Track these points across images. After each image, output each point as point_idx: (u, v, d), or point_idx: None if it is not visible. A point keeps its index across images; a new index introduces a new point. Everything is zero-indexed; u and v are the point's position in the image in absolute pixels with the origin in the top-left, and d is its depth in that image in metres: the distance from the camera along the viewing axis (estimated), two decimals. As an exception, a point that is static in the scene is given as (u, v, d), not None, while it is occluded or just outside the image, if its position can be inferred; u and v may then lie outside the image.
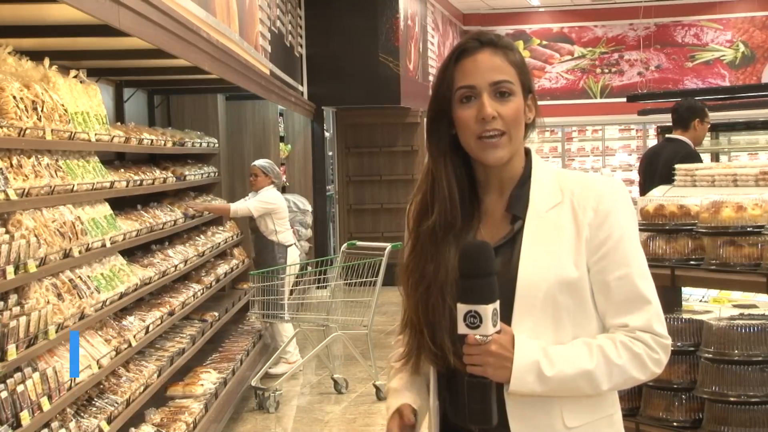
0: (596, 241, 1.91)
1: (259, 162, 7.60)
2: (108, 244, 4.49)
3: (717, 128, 9.67)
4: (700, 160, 6.20)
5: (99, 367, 4.06)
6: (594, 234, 1.92)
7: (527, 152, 2.03)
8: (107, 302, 4.28)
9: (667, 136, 6.62)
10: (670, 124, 6.72)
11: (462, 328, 1.81)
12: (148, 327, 4.92)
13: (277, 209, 7.43)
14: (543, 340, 1.88)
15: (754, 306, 3.90)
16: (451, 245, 1.95)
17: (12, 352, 3.19)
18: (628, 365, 1.89)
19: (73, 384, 3.72)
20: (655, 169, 6.32)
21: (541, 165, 2.02)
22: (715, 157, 9.34)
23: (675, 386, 3.36)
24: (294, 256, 7.57)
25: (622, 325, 1.91)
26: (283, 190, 9.88)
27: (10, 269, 3.27)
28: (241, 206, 7.35)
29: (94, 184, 4.53)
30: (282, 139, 10.12)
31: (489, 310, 1.79)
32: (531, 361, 1.84)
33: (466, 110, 1.92)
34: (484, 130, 1.91)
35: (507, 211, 1.98)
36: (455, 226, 1.96)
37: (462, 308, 1.81)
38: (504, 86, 1.92)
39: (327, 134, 11.64)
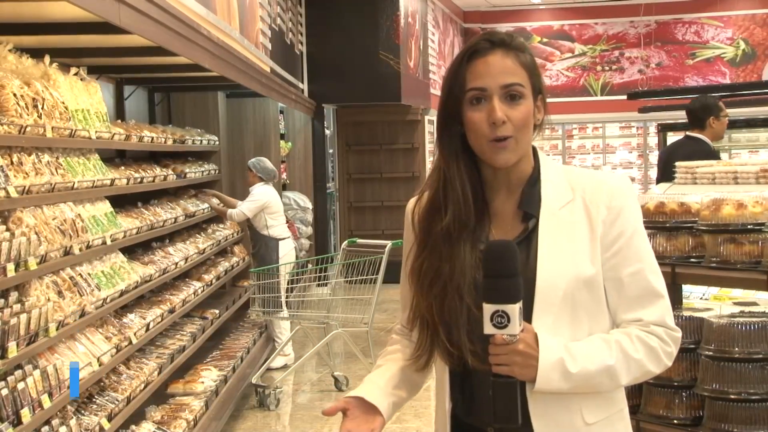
0: (609, 238, 1.93)
1: (250, 160, 7.86)
2: (108, 242, 4.49)
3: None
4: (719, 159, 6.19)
5: (99, 365, 4.06)
6: (607, 230, 1.93)
7: (534, 151, 2.03)
8: (108, 300, 4.28)
9: (686, 134, 6.57)
10: (671, 121, 6.67)
11: (489, 329, 1.81)
12: (148, 324, 4.92)
13: (268, 204, 7.61)
14: (561, 337, 1.89)
15: (754, 303, 3.90)
16: (466, 245, 1.95)
17: (12, 350, 3.19)
18: (645, 359, 1.91)
19: (73, 381, 3.72)
20: (673, 167, 6.33)
21: (549, 163, 2.02)
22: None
23: (675, 384, 3.36)
24: (287, 249, 7.72)
25: (636, 319, 1.93)
26: (284, 187, 9.91)
27: (10, 267, 3.27)
28: (236, 211, 7.49)
29: (94, 181, 4.53)
30: (282, 136, 10.12)
31: (516, 310, 1.80)
32: (556, 359, 1.85)
33: (476, 112, 1.91)
34: (494, 135, 1.90)
35: (519, 209, 1.98)
36: (469, 226, 1.96)
37: (489, 308, 1.80)
38: (515, 89, 1.91)
39: (327, 132, 11.63)
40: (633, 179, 16.41)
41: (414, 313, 2.01)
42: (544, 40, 17.29)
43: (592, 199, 1.95)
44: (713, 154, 6.20)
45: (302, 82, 10.83)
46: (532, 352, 1.83)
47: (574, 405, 1.92)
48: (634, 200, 1.99)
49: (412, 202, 2.08)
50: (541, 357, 1.84)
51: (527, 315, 1.88)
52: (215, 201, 7.57)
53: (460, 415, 2.02)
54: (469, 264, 1.92)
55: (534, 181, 1.99)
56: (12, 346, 3.19)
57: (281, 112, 9.98)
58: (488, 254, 1.85)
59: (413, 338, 2.06)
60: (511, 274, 1.81)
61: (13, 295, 3.40)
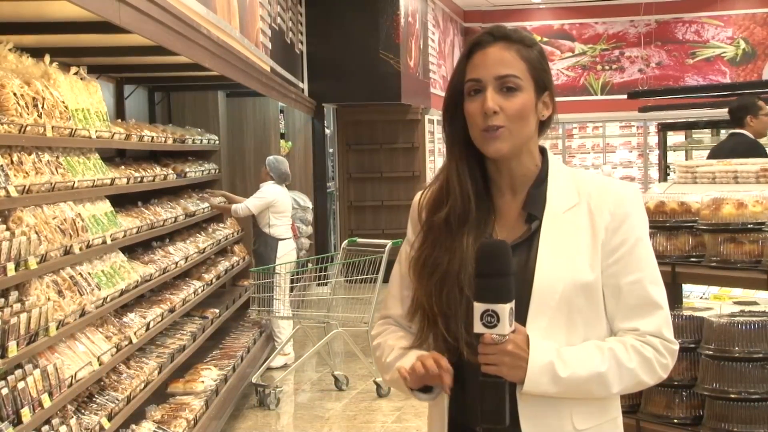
0: (611, 245, 1.92)
1: (269, 157, 7.96)
2: (108, 241, 4.49)
3: (718, 125, 9.66)
4: (762, 150, 6.73)
5: (100, 364, 4.06)
6: (609, 237, 1.92)
7: (543, 151, 2.03)
8: (108, 299, 4.28)
9: (731, 131, 7.22)
10: (671, 121, 6.87)
11: (478, 327, 1.80)
12: (148, 324, 4.92)
13: (275, 203, 7.63)
14: (555, 341, 1.88)
15: (754, 303, 3.90)
16: (468, 237, 1.95)
17: (13, 349, 3.19)
18: (638, 369, 1.90)
19: (73, 381, 3.72)
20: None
21: (558, 165, 2.02)
22: (716, 154, 9.36)
23: (675, 383, 3.36)
24: (286, 250, 7.71)
25: (633, 329, 1.92)
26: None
27: (10, 266, 3.27)
28: (241, 206, 7.52)
29: (94, 180, 4.53)
30: (282, 136, 10.12)
31: (506, 310, 1.79)
32: (546, 362, 1.84)
33: (473, 103, 1.93)
34: (486, 124, 1.91)
35: (523, 210, 1.98)
36: (468, 220, 1.96)
37: (479, 307, 1.80)
38: (510, 81, 1.92)
39: (327, 131, 11.63)
40: (633, 179, 16.42)
41: (414, 303, 2.01)
42: (545, 39, 17.26)
43: (597, 204, 1.94)
44: (757, 146, 6.69)
45: (302, 82, 10.83)
46: (521, 354, 1.82)
47: (565, 410, 1.91)
48: (641, 209, 1.97)
49: (418, 194, 2.09)
50: (530, 359, 1.83)
51: (523, 316, 1.87)
52: (219, 199, 7.60)
53: (452, 412, 2.01)
54: (471, 257, 1.92)
55: (540, 182, 1.98)
56: (12, 345, 3.19)
57: (281, 111, 9.98)
58: (480, 253, 1.84)
59: (412, 330, 2.05)
60: (503, 274, 1.80)
61: (13, 295, 3.40)
